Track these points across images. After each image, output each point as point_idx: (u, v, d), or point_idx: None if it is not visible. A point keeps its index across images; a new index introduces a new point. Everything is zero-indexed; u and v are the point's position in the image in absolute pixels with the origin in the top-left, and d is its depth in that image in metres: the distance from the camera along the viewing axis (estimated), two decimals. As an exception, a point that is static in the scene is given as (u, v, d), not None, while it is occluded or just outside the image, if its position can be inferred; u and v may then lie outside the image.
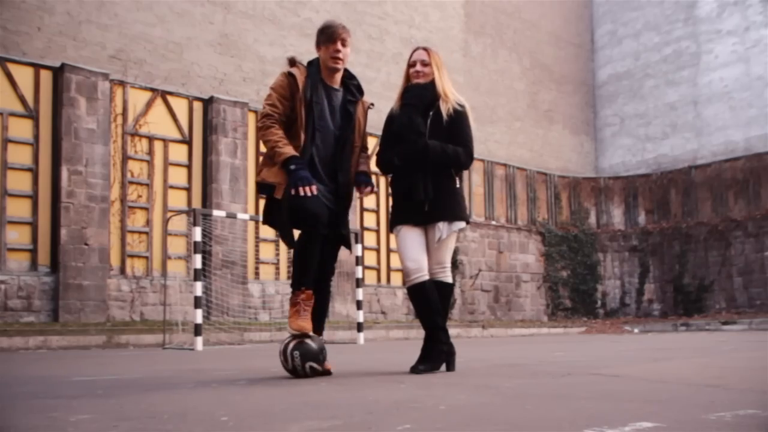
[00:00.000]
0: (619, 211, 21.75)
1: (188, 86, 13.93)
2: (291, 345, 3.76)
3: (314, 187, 3.70)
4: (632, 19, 23.13)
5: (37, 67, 12.04)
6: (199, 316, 9.12)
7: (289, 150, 3.78)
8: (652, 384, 3.37)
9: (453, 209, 4.17)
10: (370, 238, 16.12)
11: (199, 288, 9.18)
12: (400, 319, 16.24)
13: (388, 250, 16.69)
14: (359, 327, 11.35)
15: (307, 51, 15.15)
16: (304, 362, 3.72)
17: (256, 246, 14.05)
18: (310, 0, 16.28)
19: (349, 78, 4.13)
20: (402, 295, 16.76)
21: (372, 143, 16.63)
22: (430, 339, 4.15)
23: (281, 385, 3.46)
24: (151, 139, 13.23)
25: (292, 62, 4.03)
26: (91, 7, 12.95)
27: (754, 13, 20.40)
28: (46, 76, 12.10)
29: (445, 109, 4.16)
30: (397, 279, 16.84)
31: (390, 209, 4.43)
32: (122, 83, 12.92)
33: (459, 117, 4.19)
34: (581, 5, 23.75)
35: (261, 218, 4.10)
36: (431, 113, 4.17)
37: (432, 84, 4.23)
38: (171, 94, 13.51)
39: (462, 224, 4.22)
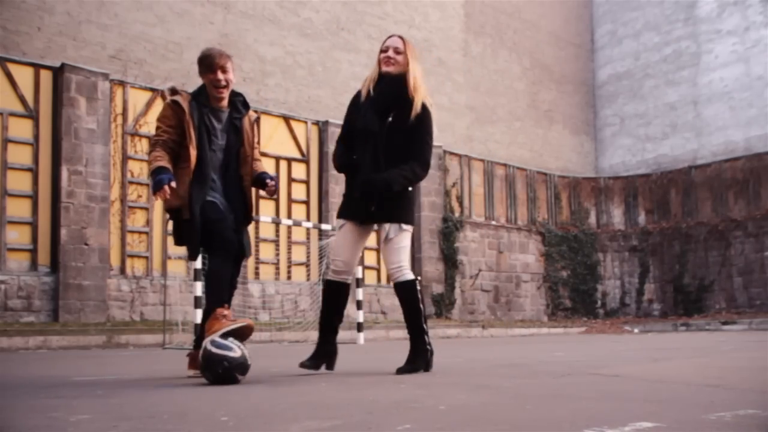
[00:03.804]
0: (619, 211, 21.75)
1: (188, 86, 13.86)
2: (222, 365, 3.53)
3: (166, 188, 3.79)
4: (632, 19, 23.12)
5: (37, 67, 12.04)
6: (199, 316, 9.11)
7: (157, 163, 3.92)
8: (652, 384, 3.37)
9: (399, 211, 4.12)
10: (369, 238, 16.09)
11: (199, 288, 9.17)
12: (400, 319, 16.21)
13: (388, 250, 16.68)
14: (359, 327, 11.35)
15: (307, 51, 15.33)
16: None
17: (256, 246, 14.04)
18: (310, 0, 16.28)
19: (235, 95, 4.23)
20: (402, 295, 16.75)
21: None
22: (321, 337, 4.21)
23: (281, 385, 3.46)
24: (151, 139, 13.22)
25: (174, 91, 4.12)
26: (91, 7, 12.95)
27: (754, 13, 20.39)
28: (46, 76, 12.10)
29: (414, 107, 4.04)
30: (397, 279, 16.82)
31: (345, 188, 4.35)
32: (122, 83, 12.92)
33: (422, 121, 4.08)
34: (581, 5, 23.75)
35: (173, 240, 4.22)
36: (393, 112, 4.06)
37: (402, 77, 4.10)
38: (171, 94, 13.51)
39: (409, 227, 4.19)
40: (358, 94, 4.24)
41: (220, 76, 4.03)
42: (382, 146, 4.05)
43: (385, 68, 4.10)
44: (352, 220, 4.19)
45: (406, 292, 4.16)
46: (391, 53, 4.11)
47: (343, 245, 4.20)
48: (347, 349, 8.80)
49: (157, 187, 3.82)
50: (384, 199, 4.05)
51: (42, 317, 11.52)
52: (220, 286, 3.88)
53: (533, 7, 21.91)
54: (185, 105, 4.02)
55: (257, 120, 4.43)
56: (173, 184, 3.85)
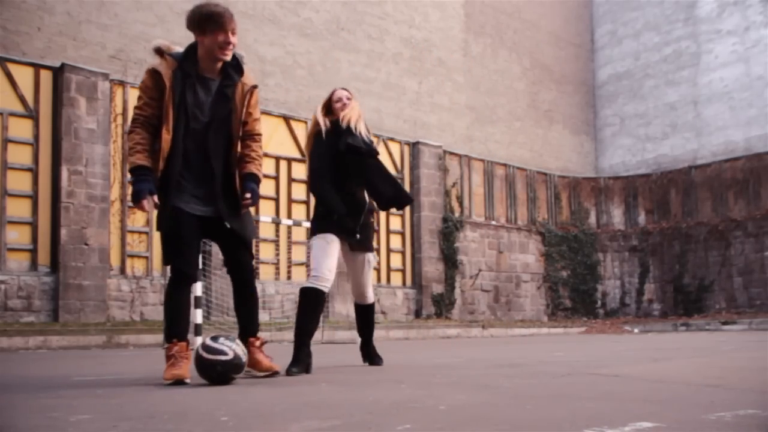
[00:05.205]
0: (619, 211, 21.75)
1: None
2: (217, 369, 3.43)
3: (145, 202, 3.54)
4: (632, 19, 23.12)
5: (37, 67, 12.04)
6: (199, 316, 9.11)
7: (136, 158, 3.59)
8: (652, 384, 3.37)
9: (372, 242, 4.74)
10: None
11: (199, 288, 9.17)
12: (400, 319, 16.24)
13: (388, 250, 16.68)
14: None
15: (307, 51, 15.30)
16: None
17: (256, 246, 14.05)
18: (310, 0, 16.28)
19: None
20: (402, 295, 16.76)
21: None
22: (303, 342, 4.27)
23: (281, 385, 3.46)
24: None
25: (159, 51, 3.67)
26: (91, 7, 12.95)
27: (754, 13, 20.39)
28: (46, 76, 12.10)
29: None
30: (397, 279, 16.84)
31: (318, 214, 4.54)
32: (122, 83, 12.92)
33: None
34: (581, 5, 23.76)
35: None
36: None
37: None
38: (171, 94, 13.49)
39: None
40: (320, 139, 4.53)
41: (231, 38, 3.62)
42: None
43: (342, 112, 4.56)
44: (339, 237, 4.45)
45: (370, 312, 4.91)
46: (345, 100, 4.59)
47: (331, 255, 4.37)
48: (347, 349, 8.79)
49: (135, 198, 3.56)
50: (364, 228, 4.57)
51: (42, 317, 11.52)
52: (170, 318, 3.71)
53: (533, 7, 21.91)
54: (167, 76, 3.58)
55: (253, 89, 3.83)
56: (155, 198, 3.56)
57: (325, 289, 4.29)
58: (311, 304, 4.30)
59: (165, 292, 3.75)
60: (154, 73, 3.61)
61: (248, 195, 3.76)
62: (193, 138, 3.66)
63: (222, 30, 3.59)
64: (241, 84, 3.76)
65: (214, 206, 3.70)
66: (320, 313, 4.44)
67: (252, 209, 4.07)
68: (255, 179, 3.83)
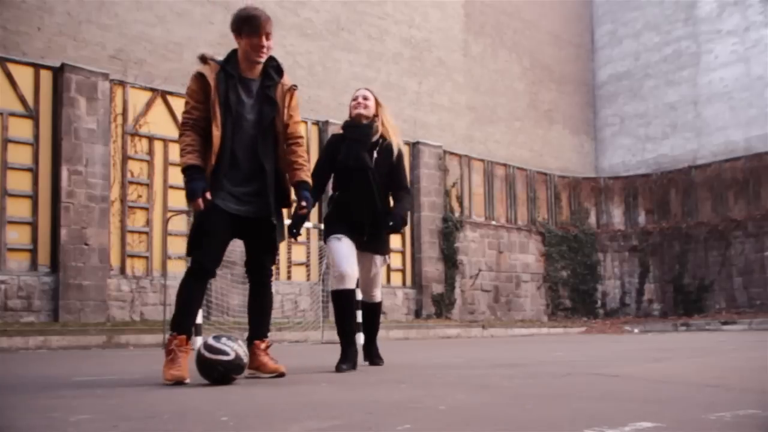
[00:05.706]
0: (619, 211, 21.74)
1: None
2: (217, 370, 3.44)
3: (200, 201, 3.63)
4: (632, 19, 23.12)
5: (37, 67, 12.04)
6: (199, 316, 9.10)
7: (188, 158, 3.69)
8: (652, 384, 3.37)
9: (385, 245, 4.80)
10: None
11: (199, 288, 9.16)
12: (400, 319, 16.24)
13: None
14: (359, 327, 11.33)
15: (307, 51, 15.32)
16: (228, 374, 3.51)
17: (256, 246, 14.02)
18: (310, 0, 16.28)
19: (267, 61, 3.87)
20: (402, 295, 16.76)
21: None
22: (348, 341, 4.55)
23: (281, 385, 3.47)
24: (151, 139, 13.23)
25: (204, 59, 3.83)
26: (91, 7, 12.95)
27: (754, 13, 20.39)
28: (46, 76, 12.10)
29: (394, 145, 4.68)
30: (397, 279, 16.84)
31: (328, 216, 4.78)
32: (122, 83, 12.92)
33: (400, 158, 4.75)
34: (581, 5, 23.75)
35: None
36: (375, 150, 4.64)
37: (373, 122, 4.67)
38: (171, 94, 13.49)
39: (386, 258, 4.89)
40: (333, 140, 4.80)
41: (265, 42, 3.75)
42: (375, 179, 4.62)
43: (356, 112, 4.67)
44: (350, 238, 4.58)
45: (376, 310, 5.01)
46: (360, 100, 4.68)
47: (350, 254, 4.54)
48: (347, 349, 8.79)
49: (191, 197, 3.66)
50: (375, 231, 4.64)
51: (42, 317, 11.52)
52: (178, 309, 3.71)
53: (533, 7, 21.91)
54: (212, 78, 3.71)
55: (293, 88, 3.95)
56: (209, 195, 3.63)
57: (351, 286, 4.48)
58: (342, 306, 4.55)
59: (180, 281, 3.77)
60: (199, 77, 3.75)
61: (304, 204, 3.92)
62: (239, 137, 3.77)
63: (256, 33, 3.74)
64: (281, 84, 3.90)
65: (252, 206, 3.79)
66: (354, 309, 4.73)
67: None
68: (307, 187, 3.97)
